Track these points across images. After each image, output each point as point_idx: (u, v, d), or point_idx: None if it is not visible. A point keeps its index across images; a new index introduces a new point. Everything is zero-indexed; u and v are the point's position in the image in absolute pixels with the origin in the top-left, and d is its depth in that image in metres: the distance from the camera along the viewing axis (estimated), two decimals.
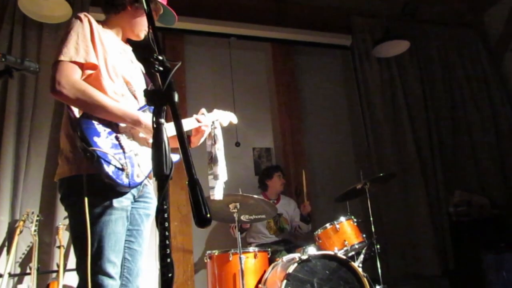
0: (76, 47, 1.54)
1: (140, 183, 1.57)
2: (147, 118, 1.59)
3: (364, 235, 3.14)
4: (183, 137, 1.04)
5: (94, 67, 1.57)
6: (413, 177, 4.60)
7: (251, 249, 3.01)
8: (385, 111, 4.75)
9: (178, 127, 1.05)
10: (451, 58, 5.30)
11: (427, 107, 4.99)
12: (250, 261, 2.91)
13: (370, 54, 4.76)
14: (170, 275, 0.98)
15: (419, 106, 4.93)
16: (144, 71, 1.87)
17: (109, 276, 1.48)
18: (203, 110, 1.96)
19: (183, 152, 1.02)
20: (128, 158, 1.52)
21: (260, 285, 2.84)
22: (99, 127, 1.51)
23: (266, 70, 4.87)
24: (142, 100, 1.72)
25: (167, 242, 1.00)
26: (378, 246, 3.19)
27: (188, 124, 1.86)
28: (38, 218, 3.09)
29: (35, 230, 3.02)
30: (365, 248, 3.16)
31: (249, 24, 4.44)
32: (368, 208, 3.35)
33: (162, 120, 1.10)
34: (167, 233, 1.01)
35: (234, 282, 2.83)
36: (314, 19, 4.74)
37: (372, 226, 3.30)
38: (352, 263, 2.75)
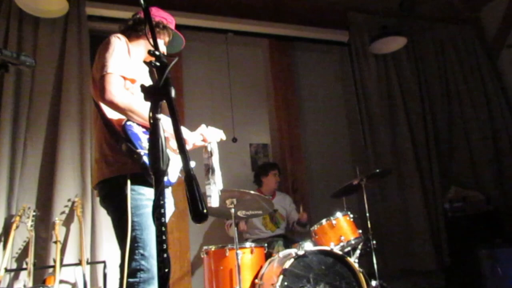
0: (120, 63, 1.73)
1: (173, 183, 1.74)
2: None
3: (360, 231, 3.16)
4: (179, 133, 1.05)
5: (133, 81, 1.76)
6: (409, 173, 4.62)
7: (247, 244, 3.01)
8: (382, 107, 4.76)
9: (175, 123, 1.06)
10: (448, 54, 5.32)
11: (423, 103, 5.00)
12: (246, 257, 2.92)
13: (367, 50, 4.77)
14: (166, 270, 0.98)
15: (415, 102, 4.94)
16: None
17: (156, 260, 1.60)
18: (203, 126, 2.03)
19: (180, 149, 1.03)
20: None
21: (256, 281, 2.85)
22: (140, 132, 1.69)
23: (263, 66, 4.87)
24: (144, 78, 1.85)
25: (164, 237, 1.01)
26: (374, 242, 3.21)
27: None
28: (34, 213, 3.09)
29: (31, 225, 3.02)
30: (361, 244, 3.17)
31: (246, 20, 4.43)
32: (364, 204, 3.36)
33: (159, 116, 1.10)
34: (163, 229, 1.02)
35: (231, 277, 2.84)
36: (312, 15, 4.74)
37: (368, 222, 3.32)
38: (348, 258, 2.76)
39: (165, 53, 2.08)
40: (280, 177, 4.01)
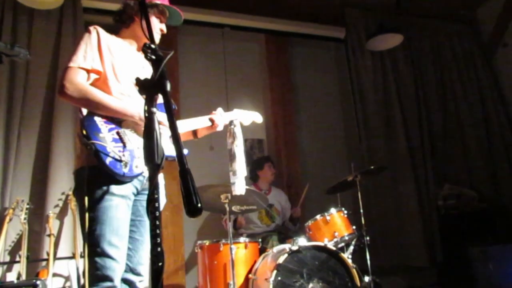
0: (85, 55, 1.72)
1: (139, 174, 1.67)
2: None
3: (354, 227, 3.17)
4: (175, 127, 1.04)
5: (99, 72, 1.75)
6: (404, 170, 4.65)
7: (241, 239, 3.02)
8: (377, 104, 4.77)
9: (170, 116, 1.05)
10: (444, 52, 5.33)
11: (419, 101, 5.02)
12: (240, 251, 2.93)
13: (364, 47, 4.77)
14: (160, 264, 0.98)
15: (411, 100, 4.96)
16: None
17: (112, 258, 1.58)
18: (220, 109, 2.06)
19: (175, 142, 1.03)
20: (128, 150, 1.66)
21: (250, 275, 2.86)
22: (101, 124, 1.67)
23: (260, 61, 4.86)
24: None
25: (158, 231, 1.01)
26: (367, 238, 3.22)
27: (201, 122, 2.01)
28: (28, 206, 3.08)
29: (25, 218, 3.01)
30: (354, 240, 3.19)
31: (243, 15, 4.41)
32: (359, 200, 3.37)
33: (154, 109, 1.10)
34: (157, 223, 1.02)
35: (225, 272, 2.85)
36: (308, 10, 4.72)
37: (362, 218, 3.33)
38: (342, 254, 2.77)
39: (164, 31, 2.04)
40: (274, 169, 4.03)
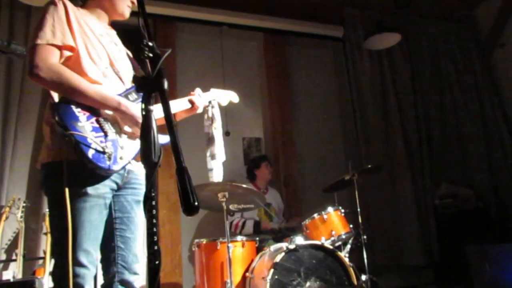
0: (53, 30, 1.52)
1: (124, 166, 1.54)
2: (128, 104, 1.57)
3: (351, 226, 3.18)
4: (172, 124, 1.04)
5: (72, 49, 1.55)
6: (401, 169, 4.66)
7: (239, 238, 3.02)
8: (375, 103, 4.78)
9: (168, 114, 1.05)
10: (442, 52, 5.34)
11: (417, 100, 5.03)
12: (238, 250, 2.93)
13: (362, 46, 4.77)
14: (157, 262, 0.98)
15: (408, 99, 4.97)
16: (131, 55, 1.85)
17: (81, 265, 1.48)
18: (198, 90, 1.94)
19: (172, 140, 1.02)
20: (110, 140, 1.51)
21: (247, 274, 2.86)
22: (78, 111, 1.49)
23: (258, 59, 4.85)
24: (128, 82, 1.70)
25: (154, 229, 1.00)
26: (364, 237, 3.23)
27: (180, 105, 1.86)
28: (24, 204, 3.07)
29: (21, 217, 3.00)
30: (351, 239, 3.20)
31: (241, 13, 4.41)
32: (356, 199, 3.38)
33: (151, 107, 1.09)
34: (154, 221, 1.01)
35: (222, 270, 2.85)
36: (307, 9, 4.72)
37: (359, 217, 3.33)
38: (339, 253, 2.78)
39: (135, 3, 1.75)
40: (272, 167, 4.03)
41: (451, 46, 5.37)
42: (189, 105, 1.88)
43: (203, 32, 4.54)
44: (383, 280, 3.55)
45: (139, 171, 1.70)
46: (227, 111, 4.31)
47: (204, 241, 3.01)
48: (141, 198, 1.65)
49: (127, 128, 1.59)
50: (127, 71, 1.74)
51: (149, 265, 0.99)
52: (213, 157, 1.93)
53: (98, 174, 1.50)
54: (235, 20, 4.42)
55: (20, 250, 2.89)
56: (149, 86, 1.10)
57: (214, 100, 2.02)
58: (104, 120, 1.54)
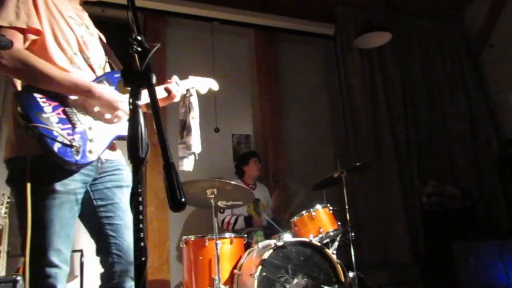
0: (17, 11, 1.40)
1: (93, 161, 1.45)
2: (102, 88, 1.49)
3: (339, 223, 3.19)
4: (159, 120, 1.03)
5: (37, 32, 1.44)
6: (389, 167, 4.69)
7: (227, 234, 3.01)
8: (365, 102, 4.80)
9: (155, 109, 1.04)
10: (431, 51, 5.38)
11: (405, 99, 5.07)
12: (226, 247, 2.93)
13: (352, 44, 4.78)
14: (143, 259, 0.97)
15: (397, 98, 5.00)
16: (104, 40, 1.76)
17: (52, 265, 1.41)
18: (175, 78, 1.86)
19: (159, 136, 1.01)
20: (79, 133, 1.42)
21: (235, 271, 2.86)
22: (43, 101, 1.39)
23: (248, 56, 4.84)
24: (100, 70, 1.62)
25: (141, 226, 0.99)
26: (352, 234, 3.25)
27: (161, 91, 1.79)
28: (9, 200, 3.02)
29: (5, 212, 2.95)
30: (339, 236, 3.21)
31: (232, 9, 4.39)
32: (344, 196, 3.39)
33: (139, 102, 1.08)
34: (141, 217, 1.00)
35: (210, 267, 2.84)
36: (298, 6, 4.72)
37: (347, 214, 3.35)
38: (326, 250, 2.79)
39: None
40: (260, 164, 4.03)
41: (440, 46, 5.42)
42: (165, 94, 1.78)
43: (194, 27, 4.51)
44: (370, 277, 3.57)
45: (116, 157, 1.64)
46: (217, 107, 4.30)
47: (192, 237, 3.00)
48: (123, 183, 1.62)
49: (107, 116, 1.51)
50: (99, 58, 1.64)
51: (135, 261, 0.98)
52: (188, 147, 1.83)
53: (67, 169, 1.41)
54: (226, 16, 4.40)
55: (4, 246, 2.84)
56: (137, 80, 1.08)
57: (192, 88, 1.94)
58: (72, 110, 1.44)
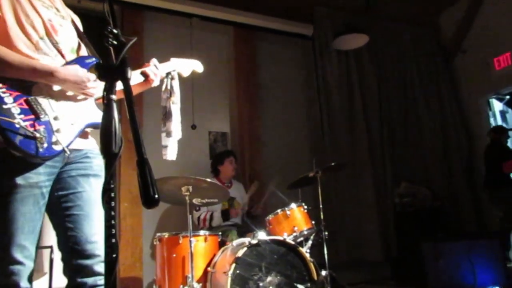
0: None
1: (59, 152, 1.38)
2: (66, 70, 1.40)
3: (313, 222, 3.22)
4: (134, 115, 1.01)
5: None
6: (364, 167, 4.77)
7: (201, 232, 3.00)
8: (341, 103, 4.86)
9: (129, 103, 1.02)
10: (407, 55, 5.50)
11: (381, 101, 5.16)
12: (200, 245, 2.91)
13: (330, 45, 4.83)
14: (114, 256, 0.95)
15: (373, 100, 5.08)
16: (78, 22, 1.68)
17: (16, 262, 1.36)
18: (154, 60, 1.76)
19: (133, 131, 1.00)
20: (43, 123, 1.35)
21: (209, 269, 2.85)
22: (3, 91, 1.31)
23: (227, 53, 4.82)
24: (71, 54, 1.54)
25: (113, 222, 0.98)
26: (326, 233, 3.29)
27: (132, 79, 1.72)
28: None
29: None
30: (313, 234, 3.24)
31: (212, 6, 4.37)
32: (319, 195, 3.43)
33: (114, 96, 1.06)
34: (113, 213, 0.99)
35: (183, 265, 2.82)
36: (278, 6, 4.73)
37: (321, 213, 3.39)
38: (300, 248, 2.81)
39: None
40: (236, 164, 4.02)
41: (415, 51, 5.54)
42: (142, 78, 1.68)
43: (173, 23, 4.47)
44: (342, 275, 3.62)
45: (87, 145, 1.56)
46: (194, 104, 4.27)
47: (166, 235, 2.97)
48: (90, 171, 1.53)
49: (70, 93, 1.44)
50: (71, 41, 1.56)
51: (106, 258, 0.96)
52: (168, 134, 1.76)
53: (30, 162, 1.35)
54: (205, 12, 4.37)
55: None
56: (112, 74, 1.07)
57: (174, 71, 1.84)
58: (35, 100, 1.36)
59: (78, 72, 1.42)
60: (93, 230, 1.46)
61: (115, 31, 1.07)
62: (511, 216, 4.45)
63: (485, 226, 5.06)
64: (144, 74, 1.69)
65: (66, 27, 1.57)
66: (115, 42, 1.07)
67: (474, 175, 5.29)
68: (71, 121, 1.44)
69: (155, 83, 1.73)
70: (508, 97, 5.29)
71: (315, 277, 2.75)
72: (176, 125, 1.79)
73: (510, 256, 4.36)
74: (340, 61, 4.98)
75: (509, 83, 5.02)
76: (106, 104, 1.04)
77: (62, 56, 1.51)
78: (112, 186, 0.99)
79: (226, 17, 4.49)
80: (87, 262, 1.44)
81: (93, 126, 1.51)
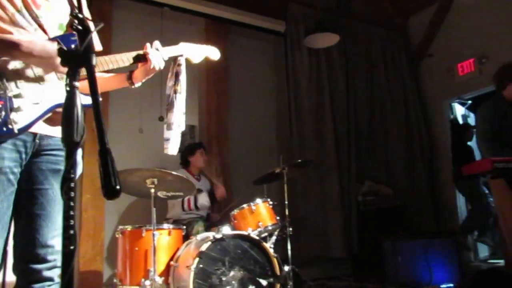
0: None
1: (22, 130, 1.28)
2: (31, 44, 1.28)
3: (278, 218, 3.25)
4: (97, 104, 0.98)
5: None
6: (330, 165, 4.84)
7: (165, 225, 2.97)
8: (310, 100, 4.91)
9: (93, 91, 0.99)
10: (375, 56, 5.61)
11: (349, 101, 5.25)
12: (163, 238, 2.88)
13: (302, 43, 4.87)
14: (72, 248, 0.92)
15: (341, 100, 5.16)
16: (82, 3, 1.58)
17: None
18: (157, 43, 1.65)
19: (96, 120, 0.97)
20: (2, 99, 1.25)
21: (172, 262, 2.82)
22: None
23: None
24: (58, 31, 1.44)
25: (71, 213, 0.95)
26: (290, 229, 3.32)
27: (122, 61, 1.56)
28: None
29: None
30: (278, 230, 3.27)
31: None
32: (285, 192, 3.45)
33: (77, 83, 1.02)
34: (72, 204, 0.96)
35: (146, 258, 2.78)
36: (251, 1, 4.71)
37: (286, 210, 3.42)
38: (264, 243, 2.83)
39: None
40: (206, 156, 4.00)
41: (384, 52, 5.66)
42: (130, 61, 1.57)
43: (143, 12, 4.36)
44: (305, 271, 3.68)
45: (58, 133, 1.44)
46: (162, 96, 4.20)
47: (129, 228, 2.92)
48: (61, 166, 1.42)
49: (30, 73, 1.33)
50: (58, 16, 1.46)
51: (63, 250, 0.93)
52: (168, 126, 1.66)
53: None
54: (177, 2, 4.30)
55: None
56: (75, 60, 1.03)
57: (181, 56, 1.71)
58: None
59: (47, 46, 1.29)
60: (52, 233, 1.36)
61: (80, 15, 1.04)
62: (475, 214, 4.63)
63: (444, 226, 5.25)
64: (140, 57, 1.58)
65: (55, 3, 1.46)
66: (80, 27, 1.04)
67: (434, 176, 5.48)
68: (36, 100, 1.33)
69: (155, 65, 1.59)
70: (470, 102, 5.49)
71: (278, 272, 2.78)
72: (178, 116, 1.67)
73: (470, 256, 4.57)
74: (310, 59, 5.02)
75: (471, 89, 5.21)
76: (68, 91, 1.00)
77: (44, 31, 1.40)
78: (73, 176, 0.96)
79: (198, 8, 4.43)
80: (38, 266, 1.34)
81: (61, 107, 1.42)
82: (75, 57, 1.03)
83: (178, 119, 1.67)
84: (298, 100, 4.86)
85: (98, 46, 1.66)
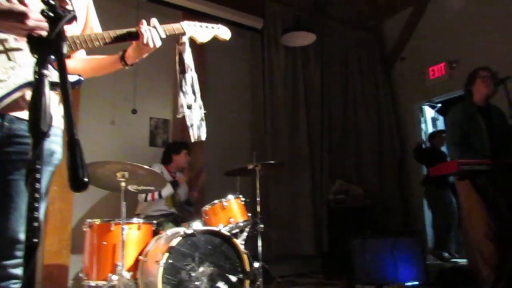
0: None
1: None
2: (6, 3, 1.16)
3: (249, 214, 3.25)
4: (67, 93, 0.96)
5: None
6: (302, 163, 4.89)
7: (135, 220, 2.92)
8: (285, 98, 4.94)
9: (63, 80, 0.97)
10: (350, 58, 5.69)
11: (323, 100, 5.31)
12: (133, 232, 2.83)
13: (279, 41, 4.88)
14: (35, 240, 0.90)
15: (316, 98, 5.22)
16: None
17: None
18: (154, 21, 1.56)
19: (65, 110, 0.94)
20: None
21: (140, 257, 2.78)
22: None
23: (173, 38, 4.67)
24: (36, 5, 1.27)
25: (36, 204, 0.92)
26: (261, 225, 3.33)
27: (123, 37, 1.47)
28: None
29: None
30: (249, 227, 3.27)
31: None
32: (257, 188, 3.46)
33: (46, 72, 0.99)
34: (37, 195, 0.93)
35: (114, 253, 2.73)
36: None
37: (258, 207, 3.43)
38: (235, 240, 2.82)
39: None
40: (190, 157, 3.95)
41: (359, 54, 5.75)
42: (120, 38, 1.49)
43: (118, 1, 4.27)
44: (274, 267, 3.70)
45: None
46: (136, 88, 4.13)
47: (97, 221, 2.85)
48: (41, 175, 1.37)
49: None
50: None
51: (26, 242, 0.91)
52: (186, 110, 1.55)
53: None
54: None
55: None
56: (45, 48, 1.00)
57: (184, 35, 1.61)
58: None
59: (14, 6, 1.15)
60: (20, 227, 1.26)
61: (52, 2, 1.01)
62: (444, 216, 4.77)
63: (411, 226, 5.40)
64: (132, 34, 1.49)
65: None
66: (51, 14, 1.01)
67: (404, 176, 5.62)
68: (3, 77, 1.22)
69: (148, 41, 1.52)
70: (439, 105, 5.65)
71: (248, 269, 2.78)
72: (191, 97, 1.58)
73: (444, 255, 4.71)
74: (287, 57, 5.05)
75: (441, 92, 5.36)
76: (37, 79, 0.97)
77: (22, 3, 1.21)
78: (38, 167, 0.93)
79: (175, 1, 4.37)
80: (4, 262, 1.26)
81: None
82: (44, 44, 1.00)
83: (192, 100, 1.57)
84: (273, 97, 4.88)
85: (97, 28, 1.58)
